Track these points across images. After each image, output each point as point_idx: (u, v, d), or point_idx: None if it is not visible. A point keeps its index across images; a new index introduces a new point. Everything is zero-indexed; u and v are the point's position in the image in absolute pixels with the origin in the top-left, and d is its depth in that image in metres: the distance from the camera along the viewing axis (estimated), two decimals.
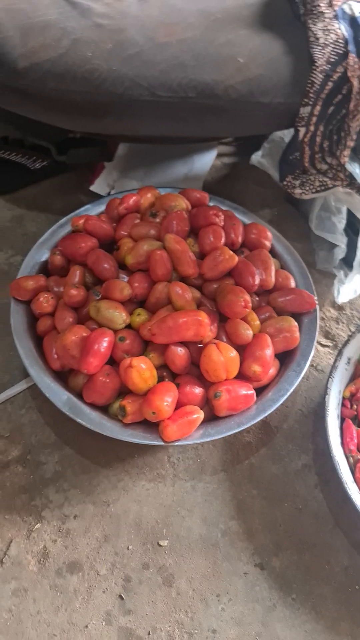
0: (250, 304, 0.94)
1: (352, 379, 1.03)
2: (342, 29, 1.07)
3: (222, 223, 1.03)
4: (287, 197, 1.38)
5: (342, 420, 0.99)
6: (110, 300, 0.95)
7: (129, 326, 0.96)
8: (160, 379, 0.93)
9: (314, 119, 1.09)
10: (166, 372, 0.95)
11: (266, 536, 0.95)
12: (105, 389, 0.90)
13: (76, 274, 1.00)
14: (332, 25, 1.06)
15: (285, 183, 1.14)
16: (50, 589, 0.89)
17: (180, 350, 0.91)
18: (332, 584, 0.92)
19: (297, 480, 1.01)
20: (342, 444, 0.95)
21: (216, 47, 1.05)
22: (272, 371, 0.98)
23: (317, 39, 1.06)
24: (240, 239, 1.04)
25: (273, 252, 1.11)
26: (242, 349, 0.95)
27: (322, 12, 1.07)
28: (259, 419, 0.93)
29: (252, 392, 0.93)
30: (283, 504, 0.99)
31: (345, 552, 0.94)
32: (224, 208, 1.14)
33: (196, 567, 0.92)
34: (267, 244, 1.08)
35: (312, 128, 1.10)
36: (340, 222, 1.22)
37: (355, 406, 1.00)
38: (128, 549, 0.93)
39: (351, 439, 0.95)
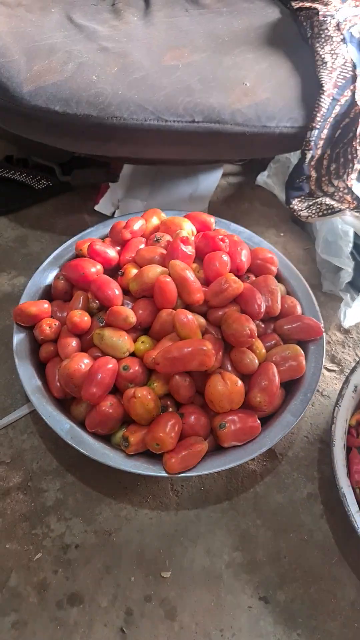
0: (255, 333, 0.93)
1: (359, 407, 1.02)
2: (350, 52, 1.06)
3: (228, 249, 1.01)
4: (293, 218, 1.37)
5: (349, 449, 0.97)
6: (114, 328, 0.93)
7: (133, 354, 0.94)
8: (164, 409, 0.92)
9: (321, 142, 1.08)
10: (170, 400, 0.94)
11: (271, 568, 0.93)
12: (109, 419, 0.89)
13: (79, 299, 0.99)
14: (340, 49, 1.06)
15: (291, 206, 1.13)
16: (51, 621, 0.87)
17: (185, 380, 0.90)
18: (338, 619, 0.90)
19: (303, 510, 0.99)
20: (349, 474, 0.94)
21: (223, 71, 1.05)
22: (278, 401, 0.96)
23: (325, 62, 1.05)
24: (246, 265, 1.03)
25: (279, 276, 1.09)
26: (248, 378, 0.94)
27: (330, 36, 1.07)
28: (263, 450, 0.91)
29: (257, 423, 0.91)
30: (288, 535, 0.97)
31: (352, 586, 0.92)
32: (229, 232, 1.13)
33: (199, 600, 0.90)
34: (273, 269, 1.06)
35: (319, 151, 1.09)
36: (347, 246, 1.21)
37: None
38: (130, 580, 0.92)
39: (357, 470, 0.94)
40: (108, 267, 1.04)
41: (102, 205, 1.36)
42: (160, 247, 1.02)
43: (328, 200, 1.13)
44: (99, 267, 1.01)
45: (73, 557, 0.93)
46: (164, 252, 1.01)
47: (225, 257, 0.99)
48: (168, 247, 1.00)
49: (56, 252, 1.10)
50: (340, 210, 1.13)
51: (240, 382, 0.90)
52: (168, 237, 1.04)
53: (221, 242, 1.00)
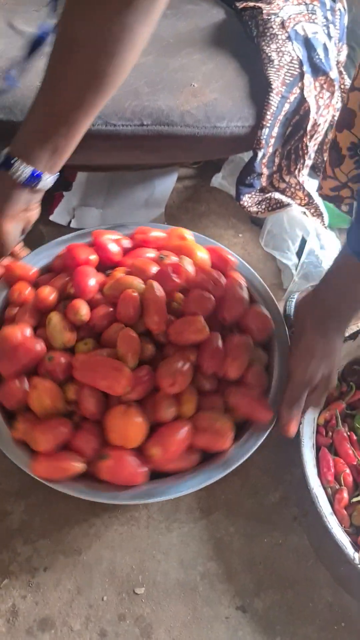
0: (178, 386, 0.84)
1: (326, 405, 1.01)
2: (296, 49, 1.06)
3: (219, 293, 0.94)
4: (252, 218, 1.36)
5: (318, 449, 0.96)
6: (64, 318, 0.90)
7: (72, 350, 0.91)
8: (69, 414, 0.87)
9: (272, 140, 1.07)
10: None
11: (246, 576, 0.92)
12: (12, 397, 0.87)
13: (61, 280, 0.96)
14: (286, 47, 1.05)
15: (241, 203, 1.12)
16: None
17: (92, 396, 0.85)
18: (316, 622, 0.88)
19: (275, 514, 0.97)
20: (319, 474, 0.93)
21: (169, 73, 1.03)
22: (183, 464, 0.85)
23: (272, 60, 1.04)
24: (234, 317, 0.95)
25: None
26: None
27: (275, 34, 1.06)
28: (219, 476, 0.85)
29: (140, 471, 0.81)
30: (262, 540, 0.95)
31: (328, 587, 0.91)
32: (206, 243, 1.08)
33: (175, 614, 0.88)
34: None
35: (270, 149, 1.08)
36: (294, 242, 1.22)
37: (330, 433, 0.98)
38: (103, 599, 0.89)
39: (328, 469, 0.93)
40: (107, 262, 1.00)
41: (57, 215, 1.33)
42: (161, 263, 0.97)
43: (277, 195, 1.13)
44: (94, 257, 0.98)
45: (42, 580, 0.90)
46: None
47: (209, 301, 0.92)
48: (163, 266, 0.95)
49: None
50: (289, 204, 1.13)
51: (140, 420, 0.82)
52: (175, 259, 0.98)
53: (214, 284, 0.94)
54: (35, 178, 0.80)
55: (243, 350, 0.91)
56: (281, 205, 1.18)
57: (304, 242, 1.25)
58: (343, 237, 1.34)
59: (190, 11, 1.17)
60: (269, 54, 1.05)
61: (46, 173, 0.81)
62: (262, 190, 1.18)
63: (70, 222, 1.33)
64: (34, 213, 0.91)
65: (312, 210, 1.21)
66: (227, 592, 0.90)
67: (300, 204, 1.20)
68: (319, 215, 1.21)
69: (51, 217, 1.32)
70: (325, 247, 1.26)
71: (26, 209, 0.87)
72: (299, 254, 1.24)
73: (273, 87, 1.03)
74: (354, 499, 0.90)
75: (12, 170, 0.79)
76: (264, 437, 0.87)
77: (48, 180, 0.83)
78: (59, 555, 0.92)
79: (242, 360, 0.90)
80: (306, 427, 0.94)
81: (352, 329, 1.08)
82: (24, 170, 0.79)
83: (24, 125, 0.79)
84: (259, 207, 1.18)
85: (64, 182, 1.28)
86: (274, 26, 1.06)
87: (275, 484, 1.00)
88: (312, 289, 0.97)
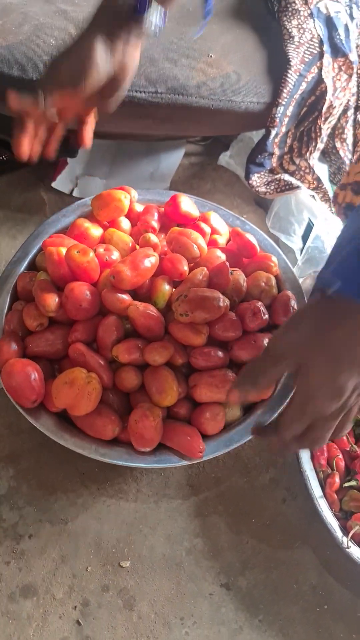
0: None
1: None
2: (317, 27, 1.04)
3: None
4: (256, 199, 1.34)
5: None
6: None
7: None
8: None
9: (286, 119, 1.05)
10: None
11: (232, 554, 0.91)
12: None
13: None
14: (307, 24, 1.03)
15: (250, 182, 1.11)
16: (2, 615, 0.83)
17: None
18: (300, 603, 0.88)
19: (265, 495, 0.97)
20: (312, 457, 0.92)
21: (187, 41, 1.01)
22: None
23: (292, 37, 1.02)
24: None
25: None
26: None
27: (297, 10, 1.04)
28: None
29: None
30: (250, 520, 0.95)
31: (313, 570, 0.91)
32: (207, 208, 1.07)
33: (159, 588, 0.87)
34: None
35: (283, 129, 1.07)
36: (300, 225, 1.20)
37: None
38: (87, 570, 0.88)
39: (321, 453, 0.92)
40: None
41: (60, 182, 1.30)
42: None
43: (287, 177, 1.11)
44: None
45: (27, 547, 0.89)
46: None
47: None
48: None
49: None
50: (298, 187, 1.11)
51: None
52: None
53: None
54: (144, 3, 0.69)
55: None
56: (290, 188, 1.16)
57: (309, 227, 1.24)
58: None
59: None
60: (290, 30, 1.02)
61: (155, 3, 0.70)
62: (272, 171, 1.16)
63: (72, 190, 1.30)
64: (130, 61, 0.74)
65: (321, 195, 1.20)
66: (212, 569, 0.90)
67: (309, 188, 1.19)
68: (327, 200, 1.20)
69: (53, 184, 1.29)
70: (332, 232, 1.25)
71: (125, 41, 0.72)
72: (304, 238, 1.23)
73: (292, 64, 1.01)
74: (346, 484, 0.90)
75: None
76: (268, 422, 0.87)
77: (157, 14, 0.71)
78: (45, 524, 0.91)
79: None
80: None
81: None
82: None
83: None
84: (268, 187, 1.16)
85: (70, 148, 1.25)
86: (297, 1, 1.04)
87: (267, 465, 1.00)
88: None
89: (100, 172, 1.32)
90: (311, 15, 1.03)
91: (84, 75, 0.70)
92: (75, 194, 1.30)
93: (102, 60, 0.71)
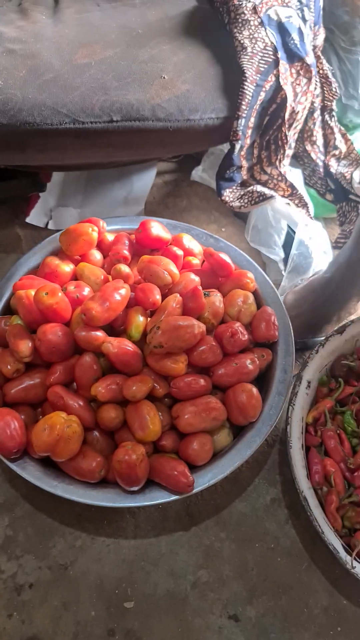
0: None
1: (314, 403, 0.98)
2: (270, 35, 1.02)
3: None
4: (234, 211, 1.32)
5: (308, 449, 0.93)
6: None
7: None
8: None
9: (249, 131, 1.03)
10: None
11: (238, 583, 0.89)
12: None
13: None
14: (259, 33, 1.01)
15: (223, 198, 1.09)
16: None
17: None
18: (312, 628, 0.86)
19: (267, 517, 0.95)
20: (309, 475, 0.90)
21: (139, 65, 0.99)
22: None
23: (245, 47, 1.00)
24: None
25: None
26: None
27: (247, 20, 1.02)
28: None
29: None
30: (254, 545, 0.92)
31: (323, 591, 0.88)
32: (178, 230, 1.05)
33: (165, 627, 0.85)
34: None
35: (248, 140, 1.05)
36: (280, 236, 1.18)
37: (319, 432, 0.94)
38: (91, 615, 0.86)
39: (318, 470, 0.90)
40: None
41: (34, 217, 1.29)
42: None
43: (259, 188, 1.09)
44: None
45: (27, 597, 0.87)
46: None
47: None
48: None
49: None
50: (272, 196, 1.09)
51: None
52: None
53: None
54: None
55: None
56: (264, 198, 1.14)
57: (289, 236, 1.22)
58: (329, 227, 1.31)
59: (159, 0, 1.13)
60: (242, 41, 1.01)
61: None
62: (244, 183, 1.14)
63: (47, 223, 1.29)
64: None
65: (297, 201, 1.17)
66: (218, 601, 0.87)
67: (283, 195, 1.17)
68: (304, 205, 1.18)
69: (28, 220, 1.29)
70: (314, 237, 1.22)
71: None
72: (285, 247, 1.20)
73: (247, 75, 0.99)
74: (345, 500, 0.87)
75: None
76: (258, 445, 0.85)
77: None
78: (44, 571, 0.89)
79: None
80: (294, 427, 0.91)
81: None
82: None
83: None
84: (242, 201, 1.14)
85: (38, 183, 1.25)
86: (246, 11, 1.02)
87: (267, 486, 0.98)
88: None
89: (74, 202, 1.31)
90: (262, 23, 1.01)
91: None
92: (50, 226, 1.29)
93: None
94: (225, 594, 0.88)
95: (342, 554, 0.81)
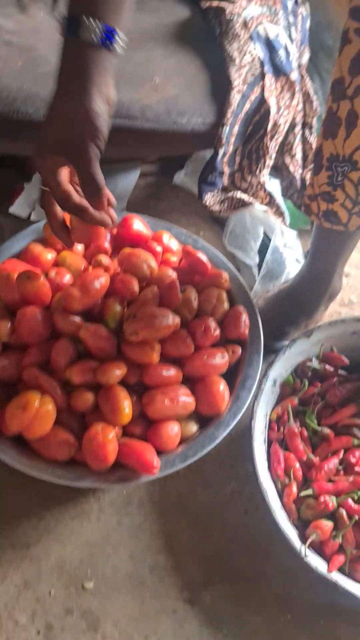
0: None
1: (279, 401, 1.02)
2: (258, 50, 1.07)
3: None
4: (213, 216, 1.37)
5: (270, 443, 0.97)
6: None
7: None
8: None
9: (233, 138, 1.08)
10: None
11: (196, 569, 0.92)
12: None
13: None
14: (247, 46, 1.06)
15: (204, 201, 1.13)
16: None
17: None
18: (264, 613, 0.89)
19: (227, 508, 0.98)
20: (270, 468, 0.94)
21: (132, 66, 1.03)
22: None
23: (233, 59, 1.05)
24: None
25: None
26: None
27: (237, 34, 1.07)
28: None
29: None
30: (213, 534, 0.95)
31: (276, 580, 0.92)
32: (159, 227, 1.09)
33: (123, 608, 0.88)
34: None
35: (231, 148, 1.09)
36: (256, 241, 1.23)
37: (282, 429, 0.99)
38: (50, 594, 0.88)
39: (278, 463, 0.94)
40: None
41: (17, 207, 1.32)
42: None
43: (239, 194, 1.14)
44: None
45: None
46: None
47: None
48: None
49: None
50: (251, 203, 1.13)
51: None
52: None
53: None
54: (110, 33, 0.68)
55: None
56: (243, 204, 1.19)
57: (264, 242, 1.27)
58: (303, 238, 1.36)
59: (155, 7, 1.17)
60: (231, 53, 1.06)
61: (117, 28, 0.69)
62: (225, 189, 1.19)
63: (30, 214, 1.31)
64: (113, 92, 0.72)
65: (274, 210, 1.22)
66: (175, 585, 0.90)
67: (261, 203, 1.22)
68: (280, 214, 1.23)
69: (11, 209, 1.31)
70: (289, 245, 1.28)
71: (107, 83, 0.71)
72: (260, 253, 1.25)
73: (234, 85, 1.03)
74: (303, 493, 0.91)
75: (81, 31, 0.67)
76: (223, 436, 0.88)
77: (122, 37, 0.70)
78: (6, 549, 0.91)
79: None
80: (258, 422, 0.95)
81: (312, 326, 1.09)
82: (95, 26, 0.67)
83: None
84: (222, 205, 1.18)
85: (24, 172, 1.27)
86: (237, 26, 1.07)
87: (229, 478, 1.01)
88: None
89: None
90: (251, 38, 1.07)
91: (100, 135, 0.69)
92: (32, 217, 1.31)
93: (105, 113, 0.69)
94: (183, 579, 0.91)
95: (297, 543, 0.85)
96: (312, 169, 0.92)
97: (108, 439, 0.81)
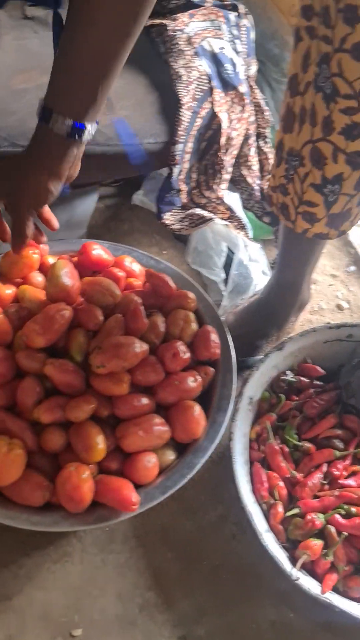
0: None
1: (257, 419, 1.00)
2: (204, 65, 1.06)
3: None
4: (175, 234, 1.35)
5: (252, 464, 0.95)
6: None
7: None
8: None
9: (187, 155, 1.07)
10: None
11: (187, 603, 0.89)
12: None
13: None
14: (194, 62, 1.05)
15: (163, 221, 1.11)
16: None
17: None
18: None
19: (214, 534, 0.95)
20: (253, 490, 0.91)
21: None
22: None
23: (180, 76, 1.04)
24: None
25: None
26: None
27: (182, 50, 1.06)
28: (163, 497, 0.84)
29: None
30: (201, 563, 0.92)
31: (270, 605, 0.89)
32: (120, 252, 1.06)
33: None
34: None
35: (186, 165, 1.08)
36: (220, 257, 1.21)
37: (262, 447, 0.96)
38: None
39: (261, 484, 0.91)
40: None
41: None
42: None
43: (199, 211, 1.12)
44: None
45: None
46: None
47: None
48: None
49: None
50: (211, 219, 1.12)
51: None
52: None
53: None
54: (78, 130, 0.74)
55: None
56: (203, 221, 1.17)
57: (228, 257, 1.25)
58: (267, 248, 1.35)
59: None
60: (177, 70, 1.04)
61: (87, 123, 0.74)
62: (184, 206, 1.17)
63: None
64: (76, 170, 0.82)
65: (235, 223, 1.21)
66: (167, 622, 0.87)
67: (222, 218, 1.20)
68: (242, 227, 1.21)
69: None
70: (253, 258, 1.26)
71: (70, 167, 0.79)
72: (225, 268, 1.24)
73: (183, 102, 1.02)
74: (289, 513, 0.89)
75: (52, 123, 0.73)
76: (202, 463, 0.86)
77: (91, 130, 0.76)
78: None
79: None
80: (237, 442, 0.93)
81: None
82: (65, 123, 0.72)
83: (53, 74, 0.74)
84: (182, 224, 1.17)
85: None
86: (180, 42, 1.06)
87: (213, 502, 0.98)
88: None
89: None
90: (196, 54, 1.06)
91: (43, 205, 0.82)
92: None
93: (57, 190, 0.80)
94: (174, 614, 0.87)
95: (287, 566, 0.83)
96: (275, 161, 0.92)
97: (83, 479, 0.78)
